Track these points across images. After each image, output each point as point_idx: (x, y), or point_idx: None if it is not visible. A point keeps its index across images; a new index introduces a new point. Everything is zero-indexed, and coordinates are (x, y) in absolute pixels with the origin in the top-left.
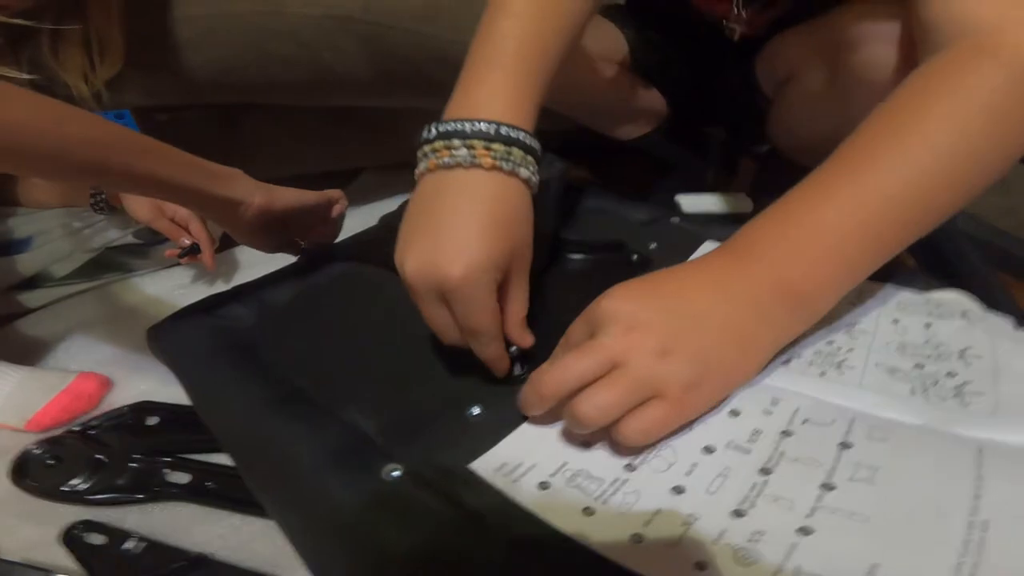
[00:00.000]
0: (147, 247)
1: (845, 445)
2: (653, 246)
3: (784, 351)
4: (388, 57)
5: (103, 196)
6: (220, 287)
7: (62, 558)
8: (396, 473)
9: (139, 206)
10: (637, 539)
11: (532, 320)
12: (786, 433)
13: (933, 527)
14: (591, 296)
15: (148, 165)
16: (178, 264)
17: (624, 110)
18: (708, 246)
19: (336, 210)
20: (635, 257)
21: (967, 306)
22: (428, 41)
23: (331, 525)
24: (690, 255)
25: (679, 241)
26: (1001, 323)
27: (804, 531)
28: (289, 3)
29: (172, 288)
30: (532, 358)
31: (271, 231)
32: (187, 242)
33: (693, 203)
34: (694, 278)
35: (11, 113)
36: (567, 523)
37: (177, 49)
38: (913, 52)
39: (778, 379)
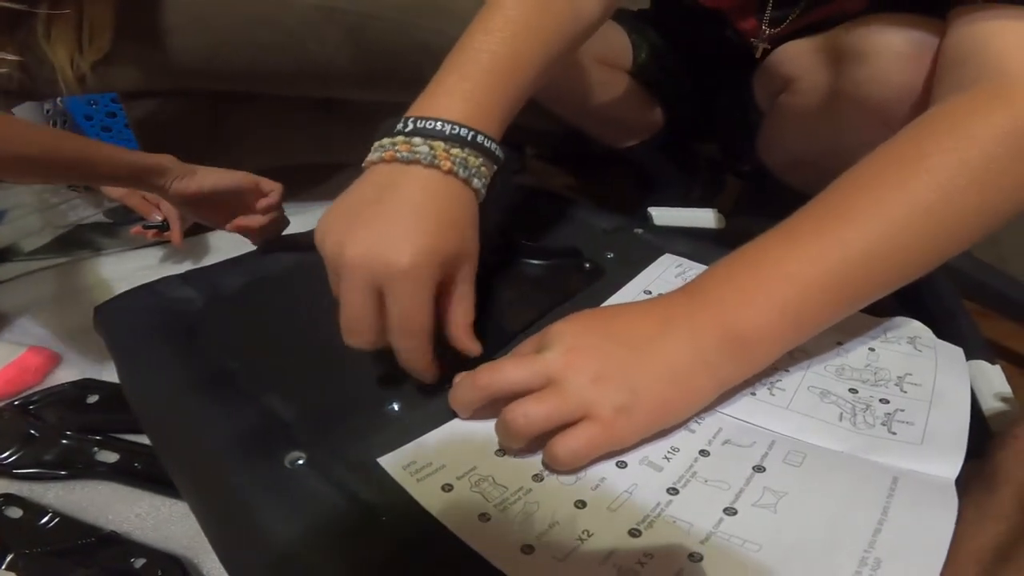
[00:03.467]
0: (116, 226)
1: (759, 468)
2: (610, 255)
3: None
4: (371, 48)
5: None
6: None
7: None
8: (300, 461)
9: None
10: (528, 550)
11: (479, 321)
12: (704, 452)
13: (821, 561)
14: (540, 301)
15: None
16: (145, 246)
17: (620, 117)
18: (666, 259)
19: (263, 203)
20: (588, 265)
21: (917, 333)
22: (412, 32)
23: (229, 508)
24: (645, 266)
25: (637, 252)
26: (950, 352)
27: (693, 557)
28: None
29: (136, 269)
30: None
31: (201, 210)
32: (158, 218)
33: (665, 216)
34: (645, 313)
35: None
36: (461, 527)
37: (168, 33)
38: (921, 72)
39: None
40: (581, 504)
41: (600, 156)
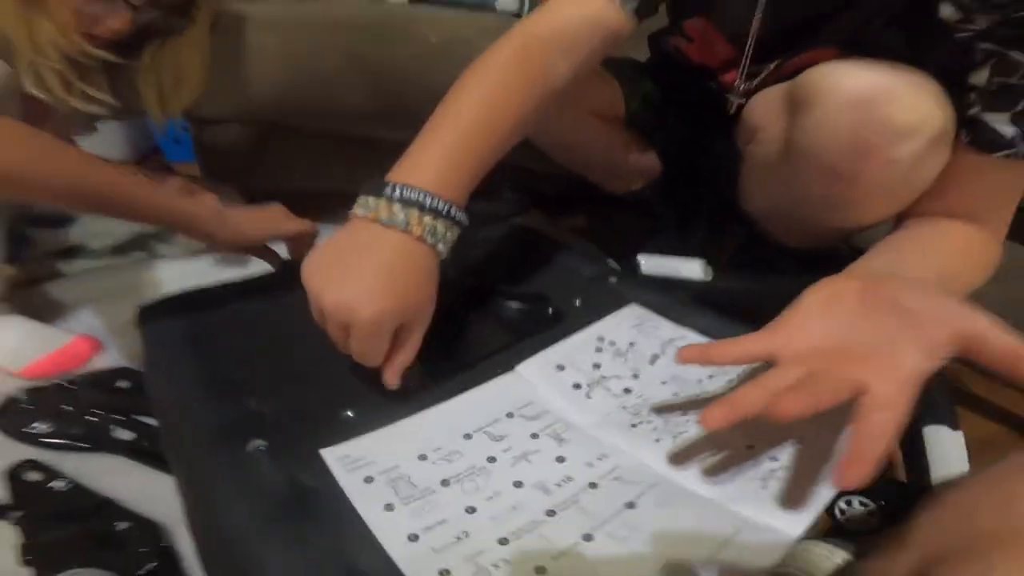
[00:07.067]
0: (173, 235)
1: (630, 505)
2: (577, 303)
3: (633, 414)
4: (388, 91)
5: None
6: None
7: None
8: (261, 447)
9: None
10: (413, 538)
11: (448, 347)
12: (593, 485)
13: None
14: (499, 338)
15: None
16: (194, 255)
17: (616, 164)
18: (628, 310)
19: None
20: (551, 311)
21: None
22: (424, 77)
23: (194, 480)
24: (608, 314)
25: (604, 301)
26: None
27: (539, 570)
28: (309, 41)
29: (182, 275)
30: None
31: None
32: None
33: (652, 264)
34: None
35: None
36: (371, 514)
37: (224, 74)
38: (865, 121)
39: (617, 438)
40: (471, 510)
41: (612, 198)
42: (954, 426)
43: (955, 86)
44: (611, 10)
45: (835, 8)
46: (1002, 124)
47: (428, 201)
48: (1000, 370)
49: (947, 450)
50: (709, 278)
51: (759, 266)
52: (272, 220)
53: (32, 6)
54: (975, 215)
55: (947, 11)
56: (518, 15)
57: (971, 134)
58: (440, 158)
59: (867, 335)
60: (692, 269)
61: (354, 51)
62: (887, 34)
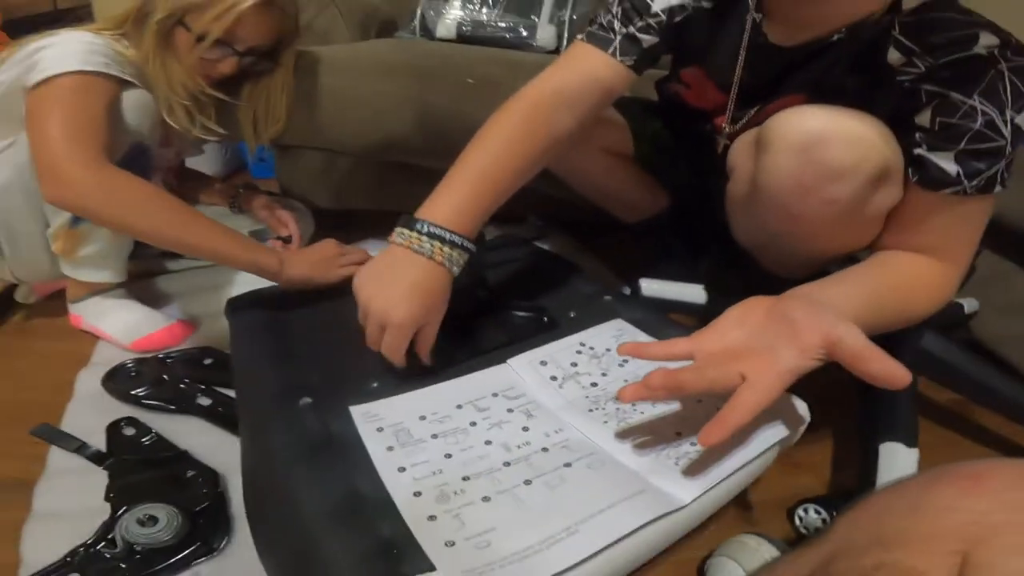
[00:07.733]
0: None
1: (568, 464)
2: (572, 314)
3: (593, 402)
4: (433, 128)
5: (238, 200)
6: None
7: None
8: (307, 403)
9: (257, 208)
10: (401, 470)
11: (455, 339)
12: (544, 449)
13: (551, 519)
14: (496, 339)
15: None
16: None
17: (626, 197)
18: (612, 324)
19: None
20: (546, 319)
21: None
22: (461, 117)
23: (258, 426)
24: (596, 325)
25: (596, 314)
26: (788, 414)
27: (485, 499)
28: (369, 84)
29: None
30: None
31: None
32: (284, 233)
33: (652, 288)
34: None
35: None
36: (376, 453)
37: (299, 108)
38: (809, 166)
39: (574, 418)
40: (448, 456)
41: (625, 227)
42: (910, 444)
43: (904, 127)
44: (611, 66)
45: (806, 57)
46: (946, 162)
47: (447, 236)
48: (851, 366)
49: (898, 465)
50: (704, 302)
51: (757, 292)
52: (325, 270)
53: (168, 53)
54: (931, 248)
55: (893, 55)
56: (556, 51)
57: (918, 173)
58: (456, 202)
59: (760, 340)
60: (693, 294)
61: (404, 93)
62: (846, 79)
